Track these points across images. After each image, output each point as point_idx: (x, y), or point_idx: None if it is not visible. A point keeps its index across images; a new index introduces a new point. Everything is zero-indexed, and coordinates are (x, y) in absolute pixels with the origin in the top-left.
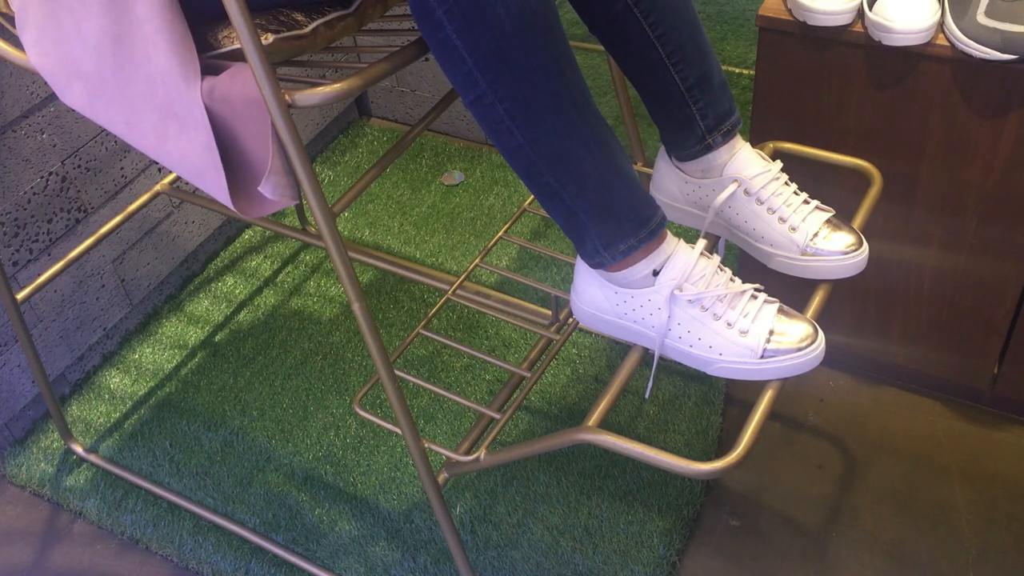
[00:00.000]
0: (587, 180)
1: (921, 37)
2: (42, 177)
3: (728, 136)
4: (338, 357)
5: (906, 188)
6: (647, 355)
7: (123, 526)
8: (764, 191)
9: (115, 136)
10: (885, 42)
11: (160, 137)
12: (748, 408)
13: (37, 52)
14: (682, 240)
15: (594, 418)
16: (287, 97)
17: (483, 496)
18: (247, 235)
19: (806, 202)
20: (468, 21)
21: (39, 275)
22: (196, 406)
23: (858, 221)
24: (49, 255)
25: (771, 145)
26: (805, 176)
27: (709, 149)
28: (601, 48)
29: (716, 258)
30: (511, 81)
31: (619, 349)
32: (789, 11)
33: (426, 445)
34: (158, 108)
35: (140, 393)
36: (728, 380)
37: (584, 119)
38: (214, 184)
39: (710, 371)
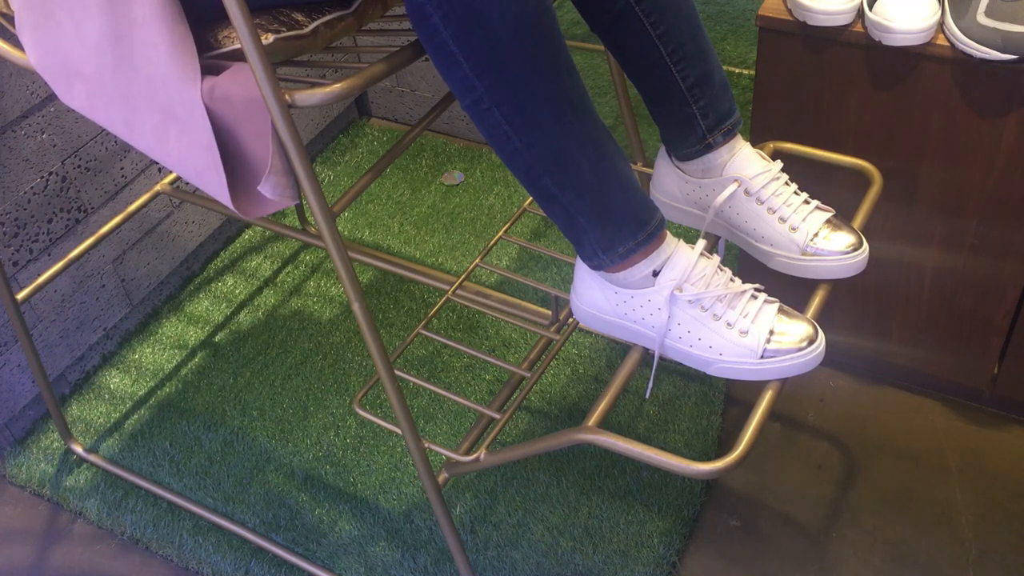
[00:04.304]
0: (585, 184)
1: (921, 37)
2: (42, 177)
3: (728, 136)
4: (338, 357)
5: (906, 188)
6: (647, 355)
7: (123, 526)
8: (764, 191)
9: (115, 136)
10: (885, 42)
11: (160, 138)
12: (748, 408)
13: (37, 53)
14: (682, 240)
15: (594, 418)
16: (287, 97)
17: (483, 496)
18: (247, 235)
19: (806, 202)
20: (464, 26)
21: (39, 275)
22: (196, 406)
23: (858, 221)
24: (49, 255)
25: (771, 145)
26: (805, 176)
27: (709, 148)
28: (601, 48)
29: (716, 258)
30: (508, 86)
31: (619, 349)
32: (789, 11)
33: (426, 445)
34: (158, 109)
35: (140, 393)
36: (728, 380)
37: (582, 123)
38: (214, 184)
39: (710, 371)
